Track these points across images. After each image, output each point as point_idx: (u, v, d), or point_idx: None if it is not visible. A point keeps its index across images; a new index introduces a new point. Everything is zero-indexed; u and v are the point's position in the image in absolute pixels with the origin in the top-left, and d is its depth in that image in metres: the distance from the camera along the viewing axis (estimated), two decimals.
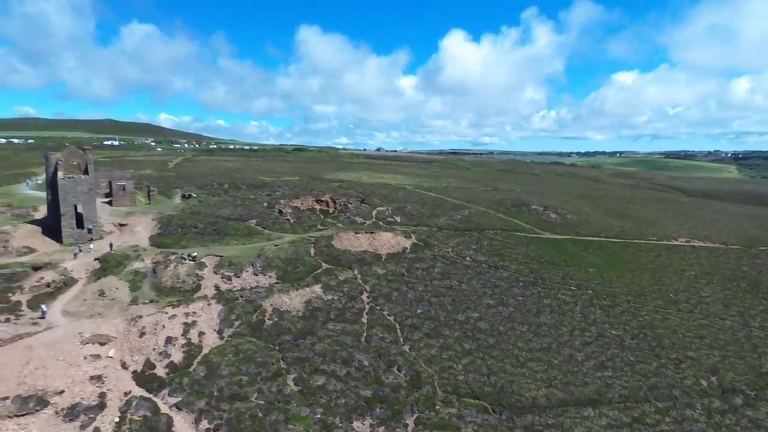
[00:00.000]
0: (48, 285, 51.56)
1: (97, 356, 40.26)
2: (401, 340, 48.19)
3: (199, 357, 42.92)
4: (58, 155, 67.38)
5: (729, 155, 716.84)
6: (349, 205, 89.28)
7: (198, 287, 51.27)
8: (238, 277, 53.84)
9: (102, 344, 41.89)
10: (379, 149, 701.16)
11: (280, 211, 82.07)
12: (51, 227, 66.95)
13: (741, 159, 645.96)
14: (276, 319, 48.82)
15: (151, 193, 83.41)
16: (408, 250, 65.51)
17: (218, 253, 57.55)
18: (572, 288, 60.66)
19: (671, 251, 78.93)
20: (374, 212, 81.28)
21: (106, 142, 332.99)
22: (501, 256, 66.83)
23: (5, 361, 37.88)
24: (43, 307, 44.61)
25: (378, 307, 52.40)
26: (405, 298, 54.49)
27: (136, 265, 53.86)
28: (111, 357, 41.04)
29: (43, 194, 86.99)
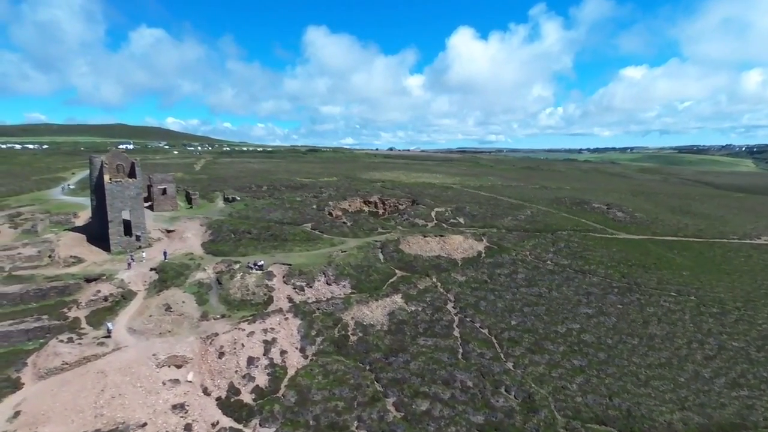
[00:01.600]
0: (105, 299, 47.73)
1: (176, 381, 36.12)
2: (502, 356, 43.50)
3: (286, 380, 38.67)
4: (103, 157, 63.72)
5: (743, 149, 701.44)
6: (400, 206, 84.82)
7: (270, 299, 47.02)
8: (311, 287, 49.55)
9: (178, 366, 37.77)
10: (391, 149, 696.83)
11: (330, 213, 77.92)
12: (96, 235, 63.34)
13: (756, 153, 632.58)
14: (360, 334, 44.42)
15: (192, 197, 79.65)
16: (483, 255, 60.73)
17: (283, 260, 53.33)
18: (672, 294, 55.36)
19: (760, 251, 73.13)
20: (433, 213, 76.56)
21: (120, 146, 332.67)
22: (585, 260, 61.68)
23: (78, 389, 33.92)
24: (109, 324, 40.65)
25: (468, 319, 47.74)
26: (494, 308, 49.75)
27: (199, 275, 49.82)
28: (190, 381, 36.91)
29: (79, 199, 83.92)
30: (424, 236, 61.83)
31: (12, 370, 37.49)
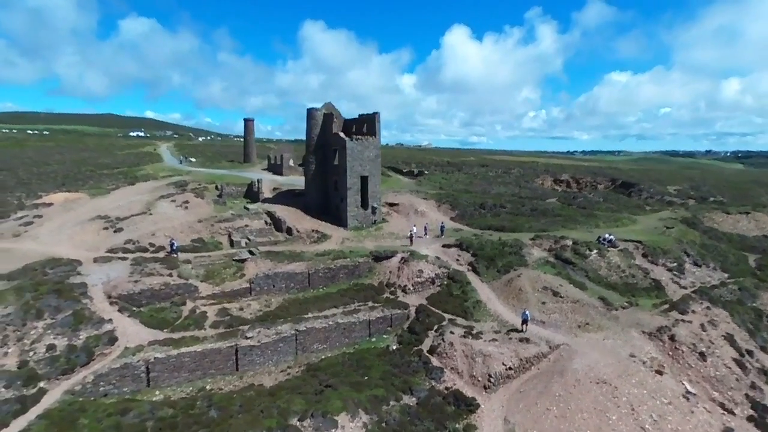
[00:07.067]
0: (432, 281, 36.56)
1: (692, 395, 25.38)
2: None
3: None
4: (322, 109, 52.07)
5: (727, 154, 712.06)
6: (599, 186, 75.09)
7: (656, 283, 36.49)
8: (683, 269, 39.17)
9: (659, 372, 27.01)
10: (400, 144, 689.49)
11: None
12: (314, 206, 51.55)
13: (743, 158, 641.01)
14: None
15: None
16: None
17: (617, 236, 42.79)
18: None
19: None
20: (672, 191, 67.16)
21: (131, 134, 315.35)
22: None
23: (596, 408, 22.91)
24: (527, 312, 29.55)
25: None
26: None
27: (536, 253, 38.99)
28: (694, 393, 26.22)
29: (221, 171, 72.12)
30: (727, 213, 52.14)
31: (423, 378, 26.22)
